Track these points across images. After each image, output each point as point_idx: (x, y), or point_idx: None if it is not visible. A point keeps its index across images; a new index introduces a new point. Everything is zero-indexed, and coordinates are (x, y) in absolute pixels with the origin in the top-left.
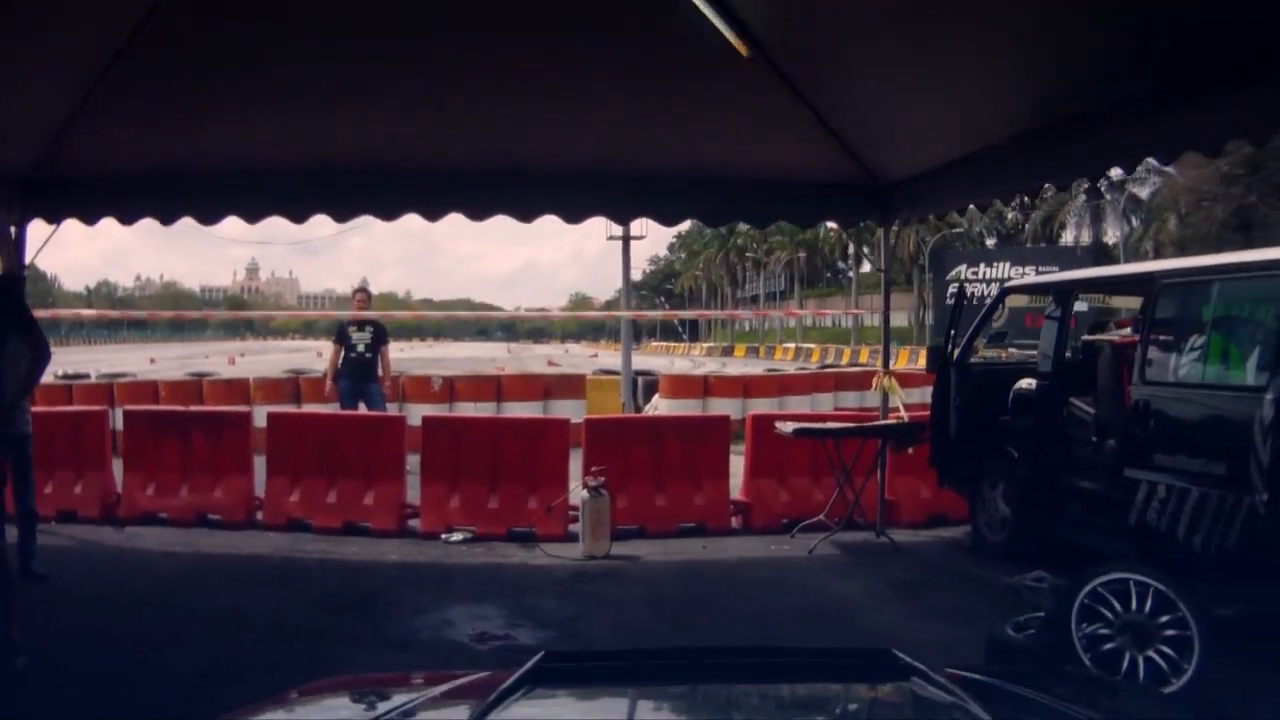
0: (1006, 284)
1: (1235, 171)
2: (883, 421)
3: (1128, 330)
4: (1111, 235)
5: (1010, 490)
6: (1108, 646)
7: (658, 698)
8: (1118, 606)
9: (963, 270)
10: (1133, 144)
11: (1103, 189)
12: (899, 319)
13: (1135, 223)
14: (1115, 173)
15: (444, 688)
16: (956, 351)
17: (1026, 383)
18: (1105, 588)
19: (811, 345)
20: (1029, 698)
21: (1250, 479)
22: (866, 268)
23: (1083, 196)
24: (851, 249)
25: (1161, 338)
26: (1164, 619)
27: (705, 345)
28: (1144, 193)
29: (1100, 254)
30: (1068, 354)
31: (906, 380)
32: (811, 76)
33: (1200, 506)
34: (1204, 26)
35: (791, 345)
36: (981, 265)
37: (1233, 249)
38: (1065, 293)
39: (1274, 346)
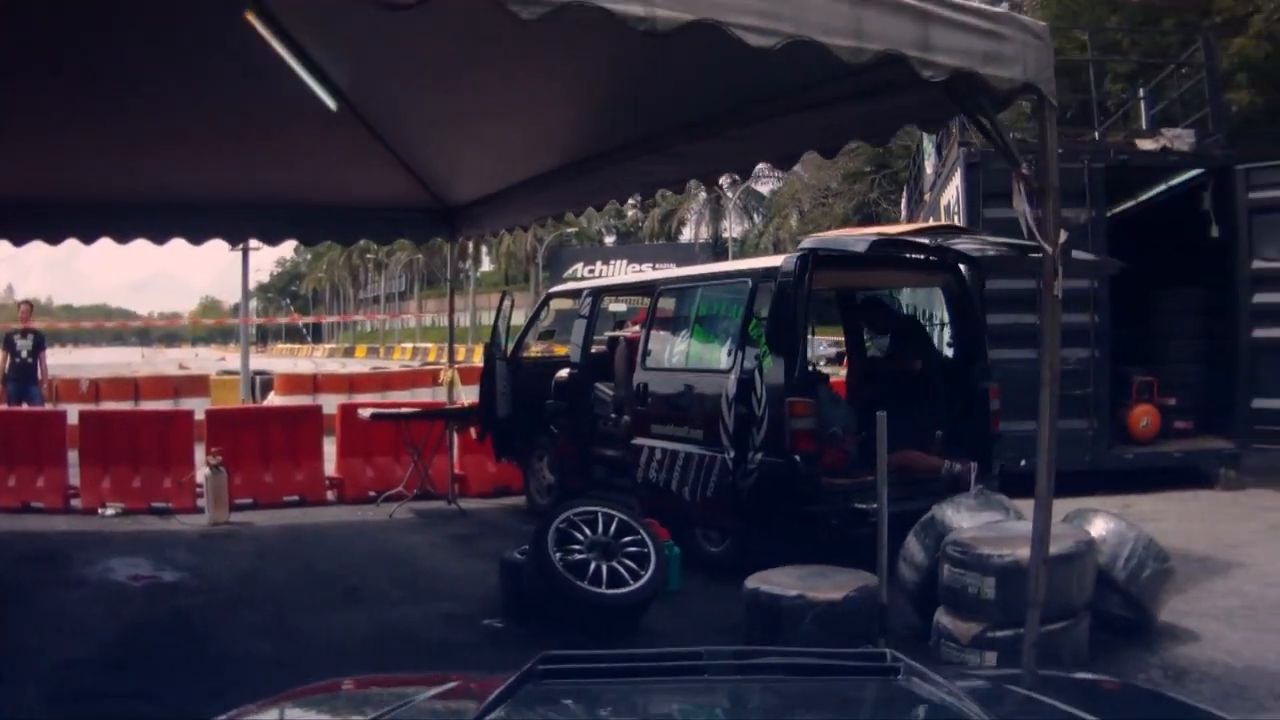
0: (550, 290)
1: (862, 169)
2: (447, 406)
3: (637, 327)
4: (733, 230)
5: (553, 461)
6: (578, 558)
7: (657, 698)
8: (587, 531)
9: (579, 268)
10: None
11: (724, 186)
12: (517, 316)
13: (757, 219)
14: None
15: (443, 688)
16: (510, 348)
17: (564, 372)
18: (578, 517)
19: (429, 345)
20: (1029, 697)
21: (721, 441)
22: (487, 266)
23: (703, 194)
24: (471, 248)
25: (659, 332)
26: (626, 540)
27: (328, 347)
28: (766, 190)
29: (719, 250)
30: (594, 348)
31: None
32: (390, 123)
33: (686, 464)
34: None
35: (410, 345)
36: (599, 263)
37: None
38: (593, 296)
39: (738, 337)
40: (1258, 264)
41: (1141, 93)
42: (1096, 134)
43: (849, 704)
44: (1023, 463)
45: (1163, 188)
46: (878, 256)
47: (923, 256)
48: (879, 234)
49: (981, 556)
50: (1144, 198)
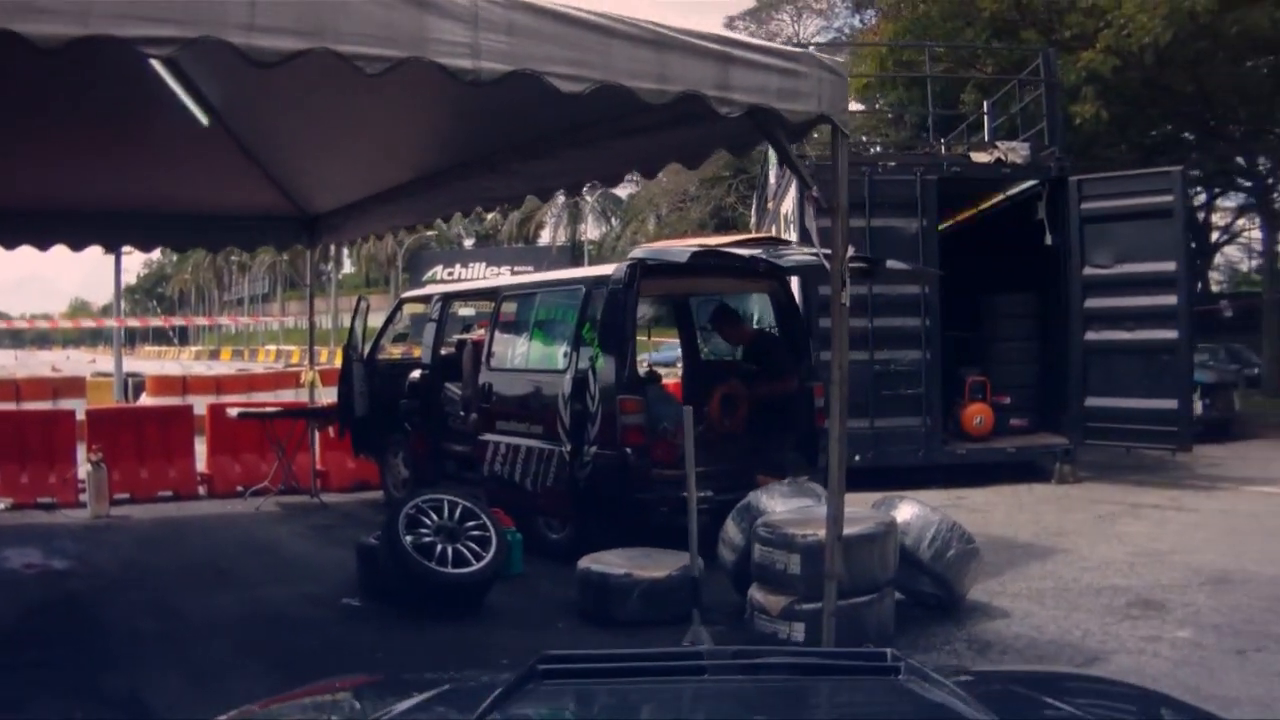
0: (403, 296)
1: (720, 174)
2: (309, 406)
3: (483, 330)
4: (591, 234)
5: (407, 456)
6: (426, 541)
7: (657, 697)
8: (435, 516)
9: (439, 271)
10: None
11: (583, 190)
12: (375, 319)
13: (615, 222)
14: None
15: (444, 688)
16: (367, 350)
17: (416, 373)
18: (425, 503)
19: (292, 348)
20: (1028, 697)
21: (559, 436)
22: (349, 269)
23: (562, 197)
24: (334, 251)
25: (502, 335)
26: (470, 524)
27: (194, 349)
28: (624, 194)
29: (577, 253)
30: (444, 350)
31: None
32: (257, 139)
33: (528, 458)
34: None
35: (274, 348)
36: (458, 266)
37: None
38: (443, 302)
39: (573, 340)
40: (1089, 270)
41: (985, 106)
42: (943, 147)
43: (849, 704)
44: (857, 458)
45: (1001, 197)
46: (702, 265)
47: (743, 265)
48: (701, 245)
49: (788, 536)
50: (984, 207)
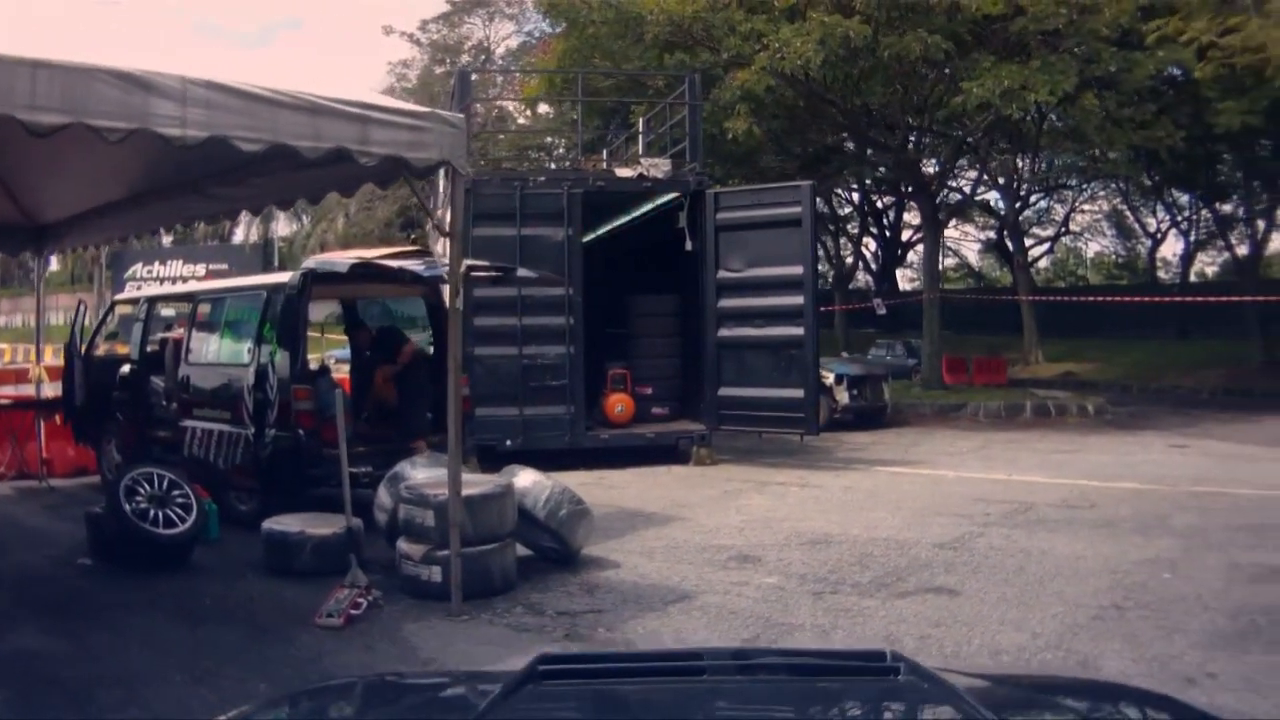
0: (115, 298)
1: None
2: (37, 399)
3: (181, 330)
4: (282, 231)
5: (119, 443)
6: (142, 506)
7: (657, 698)
8: (148, 486)
9: (139, 268)
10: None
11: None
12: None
13: (306, 221)
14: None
15: (444, 689)
16: (85, 347)
17: (126, 368)
18: (140, 475)
19: (3, 345)
20: (1027, 698)
21: (245, 421)
22: (55, 267)
23: None
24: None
25: (198, 333)
26: (176, 493)
27: None
28: None
29: (268, 251)
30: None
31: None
32: None
33: (220, 441)
34: None
35: None
36: (157, 264)
37: (398, 243)
38: (148, 304)
39: (256, 338)
40: (722, 274)
41: (641, 124)
42: (605, 161)
43: (849, 704)
44: (508, 442)
45: (651, 207)
46: (362, 274)
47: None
48: (359, 258)
49: (424, 495)
50: (635, 216)
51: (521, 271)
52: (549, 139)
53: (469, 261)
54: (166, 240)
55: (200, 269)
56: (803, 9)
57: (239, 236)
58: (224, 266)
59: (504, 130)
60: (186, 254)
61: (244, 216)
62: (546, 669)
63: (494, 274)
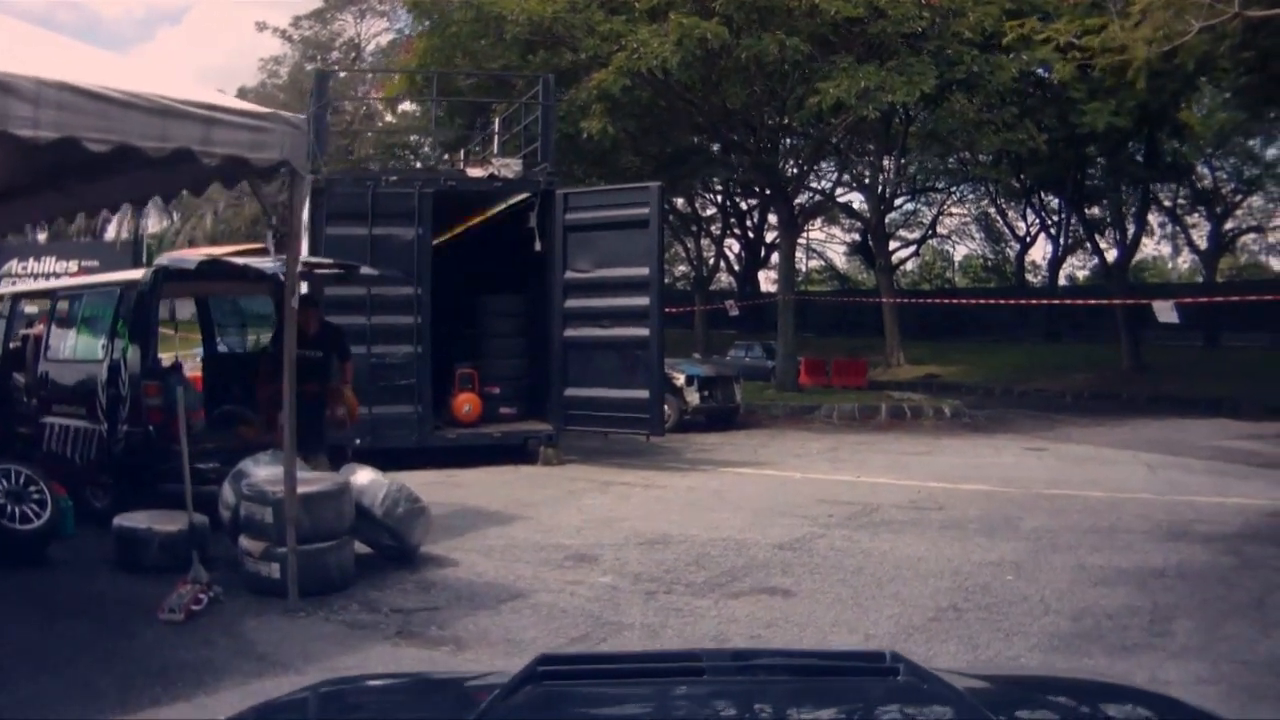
0: None
1: None
2: None
3: (41, 326)
4: (153, 228)
5: None
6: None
7: (656, 698)
8: (5, 483)
9: (14, 265)
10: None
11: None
12: None
13: (176, 217)
14: None
15: (443, 689)
16: None
17: None
18: None
19: None
20: (1028, 697)
21: (99, 417)
22: None
23: None
24: None
25: (57, 330)
26: (32, 489)
27: None
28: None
29: (139, 247)
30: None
31: None
32: None
33: (76, 436)
34: None
35: None
36: (31, 260)
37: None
38: (12, 301)
39: (110, 335)
40: (569, 274)
41: (496, 124)
42: (463, 161)
43: (848, 704)
44: (357, 441)
45: (504, 207)
46: (212, 271)
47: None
48: (208, 255)
49: (264, 492)
50: (489, 215)
51: (364, 269)
52: (414, 139)
53: (311, 259)
54: (41, 237)
55: (73, 265)
56: (663, 10)
57: (111, 234)
58: (95, 263)
59: (371, 129)
60: (60, 251)
61: (119, 212)
62: (546, 669)
63: (336, 271)
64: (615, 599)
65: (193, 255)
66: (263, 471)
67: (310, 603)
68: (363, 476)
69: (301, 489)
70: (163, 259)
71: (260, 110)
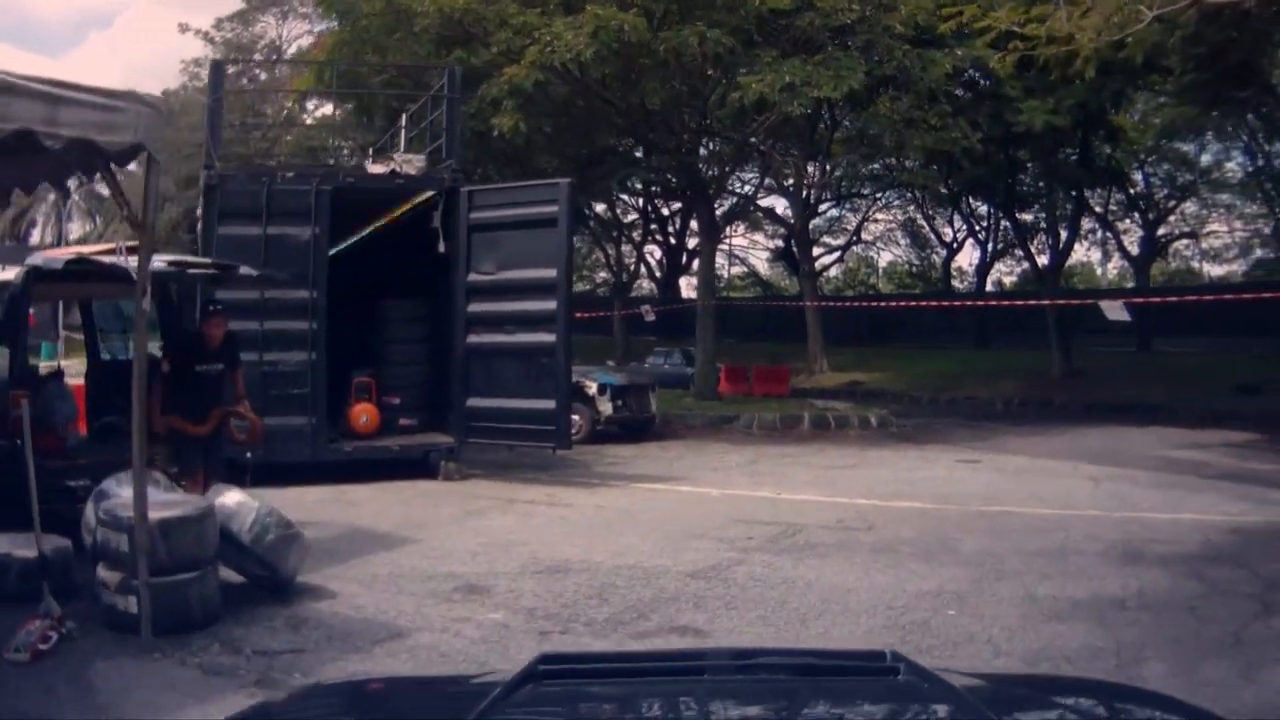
0: None
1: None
2: None
3: None
4: (76, 231)
5: None
6: None
7: (656, 698)
8: None
9: None
10: None
11: (71, 188)
12: None
13: (99, 220)
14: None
15: (443, 689)
16: None
17: None
18: None
19: None
20: (1028, 697)
21: None
22: None
23: (53, 195)
24: None
25: None
26: None
27: None
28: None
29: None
30: None
31: None
32: None
33: None
34: None
35: None
36: None
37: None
38: None
39: None
40: (473, 277)
41: (403, 119)
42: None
43: (849, 704)
44: (249, 455)
45: (408, 206)
46: (94, 271)
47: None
48: (77, 254)
49: (119, 517)
50: (394, 215)
51: (243, 270)
52: (332, 142)
53: (184, 258)
54: None
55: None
56: (580, 3)
57: (35, 238)
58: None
59: (289, 134)
60: None
61: (40, 215)
62: (546, 669)
63: (211, 272)
64: (504, 640)
65: (62, 255)
66: (125, 492)
67: (169, 641)
68: (230, 499)
69: (158, 514)
70: (35, 258)
71: (112, 89)
